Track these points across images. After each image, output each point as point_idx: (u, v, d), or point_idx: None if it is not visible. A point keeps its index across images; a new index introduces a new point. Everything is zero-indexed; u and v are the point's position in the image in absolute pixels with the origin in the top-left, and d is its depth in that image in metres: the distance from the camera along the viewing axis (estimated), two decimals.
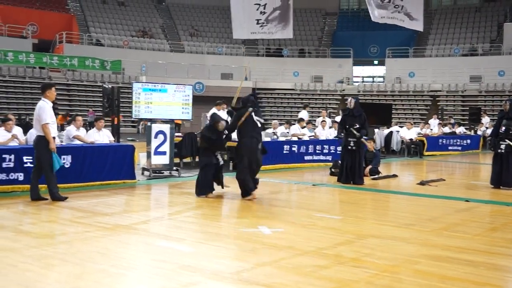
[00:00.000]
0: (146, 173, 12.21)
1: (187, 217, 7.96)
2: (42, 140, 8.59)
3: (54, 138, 8.70)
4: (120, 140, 13.69)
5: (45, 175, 8.74)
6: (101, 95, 17.03)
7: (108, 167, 10.67)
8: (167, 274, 5.09)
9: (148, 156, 12.14)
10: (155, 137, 12.07)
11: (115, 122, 13.25)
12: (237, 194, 9.78)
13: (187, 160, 14.91)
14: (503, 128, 11.44)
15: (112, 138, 12.08)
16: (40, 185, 8.91)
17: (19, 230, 6.88)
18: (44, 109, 8.61)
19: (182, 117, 12.83)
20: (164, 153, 12.18)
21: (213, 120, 9.86)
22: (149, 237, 6.69)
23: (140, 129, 30.31)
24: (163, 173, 12.35)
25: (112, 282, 4.86)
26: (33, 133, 9.65)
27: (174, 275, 5.05)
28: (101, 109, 15.22)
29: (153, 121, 12.18)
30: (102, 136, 11.72)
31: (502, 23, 38.43)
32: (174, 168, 12.48)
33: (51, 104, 8.84)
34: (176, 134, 14.48)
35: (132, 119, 14.49)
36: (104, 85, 13.79)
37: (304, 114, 21.00)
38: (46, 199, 8.78)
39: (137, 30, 40.15)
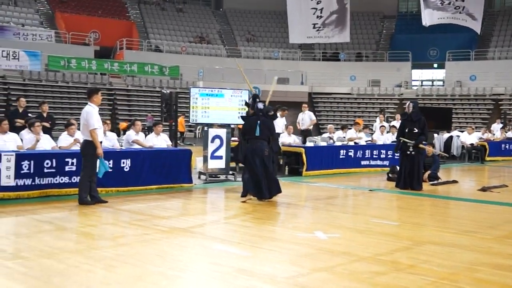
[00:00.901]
0: (203, 177, 12.35)
1: (243, 221, 8.01)
2: (89, 145, 8.68)
3: (101, 143, 8.80)
4: (180, 144, 13.90)
5: (81, 178, 8.82)
6: (159, 100, 17.37)
7: (166, 171, 10.86)
8: (224, 277, 5.15)
9: (205, 160, 12.28)
10: (212, 141, 12.21)
11: (179, 128, 13.52)
12: (291, 199, 9.78)
13: (243, 165, 14.96)
14: None
15: (169, 143, 12.29)
16: (98, 188, 9.18)
17: (81, 232, 7.11)
18: (92, 114, 8.67)
19: (239, 121, 12.91)
20: (220, 157, 12.30)
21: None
22: (206, 240, 6.78)
23: (198, 133, 30.72)
24: (219, 177, 12.47)
25: (170, 284, 4.95)
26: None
27: (230, 279, 5.10)
28: (159, 114, 15.53)
29: (210, 125, 12.33)
30: (160, 140, 11.94)
31: None
32: (230, 172, 12.59)
33: (98, 109, 8.90)
34: (232, 138, 14.61)
35: (190, 123, 14.71)
36: (163, 91, 14.06)
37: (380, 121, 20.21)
38: (106, 201, 9.03)
39: (194, 36, 40.80)
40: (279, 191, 9.77)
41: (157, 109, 28.79)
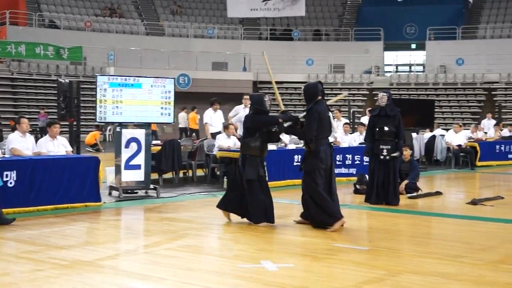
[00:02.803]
0: (115, 193, 12.21)
1: (168, 250, 7.96)
2: None
3: None
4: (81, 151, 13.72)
5: None
6: (55, 92, 17.08)
7: (65, 186, 10.68)
8: None
9: (117, 171, 12.14)
10: (127, 146, 12.07)
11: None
12: (231, 219, 9.79)
13: (168, 176, 14.93)
14: None
15: (69, 149, 12.08)
16: None
17: None
18: None
19: (162, 119, 12.85)
20: (138, 166, 12.18)
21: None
22: (118, 276, 6.70)
23: (107, 136, 30.37)
24: (137, 192, 12.36)
25: None
26: None
27: None
28: (55, 110, 15.27)
29: (123, 125, 12.21)
30: (57, 145, 11.72)
31: None
32: (151, 186, 12.49)
33: None
34: (154, 142, 14.51)
35: (96, 123, 14.52)
36: (60, 80, 13.86)
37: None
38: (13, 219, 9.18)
39: (102, 8, 40.33)
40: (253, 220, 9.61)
41: (52, 104, 28.26)
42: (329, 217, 9.28)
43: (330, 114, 9.82)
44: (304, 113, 9.60)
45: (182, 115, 27.16)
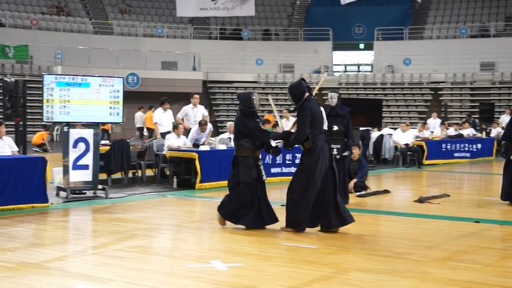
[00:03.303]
0: (63, 194, 12.07)
1: (117, 251, 7.89)
2: None
3: None
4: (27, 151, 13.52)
5: None
6: (1, 91, 16.78)
7: (11, 187, 10.50)
8: None
9: (65, 171, 12.00)
10: (74, 146, 11.95)
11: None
12: (181, 220, 9.75)
13: (117, 176, 14.80)
14: None
15: (15, 149, 11.90)
16: None
17: None
18: None
19: (110, 119, 12.73)
20: (86, 167, 12.07)
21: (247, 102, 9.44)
22: (66, 278, 6.62)
23: (55, 136, 29.96)
24: (85, 193, 12.23)
25: None
26: None
27: None
28: (1, 110, 15.02)
29: (71, 125, 12.06)
30: (2, 146, 11.57)
31: None
32: (100, 186, 12.37)
33: None
34: (103, 142, 14.37)
35: (43, 122, 14.31)
36: (5, 79, 13.64)
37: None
38: None
39: (49, 6, 39.73)
40: (223, 215, 9.35)
41: None
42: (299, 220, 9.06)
43: (322, 109, 9.49)
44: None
45: (139, 114, 26.90)
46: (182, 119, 16.00)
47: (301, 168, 9.21)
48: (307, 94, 9.31)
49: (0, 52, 32.58)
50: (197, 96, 16.71)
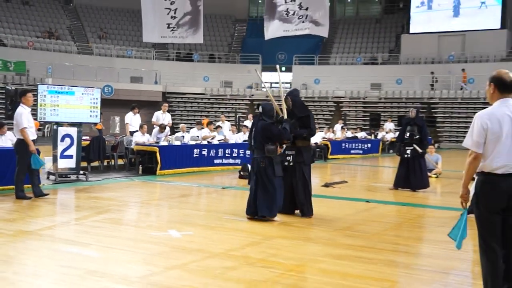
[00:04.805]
0: (52, 177, 11.80)
1: (95, 222, 7.74)
2: (22, 143, 9.33)
3: (33, 141, 9.37)
4: None
5: (17, 175, 9.39)
6: (3, 97, 16.22)
7: (12, 171, 10.16)
8: (73, 280, 4.93)
9: (54, 160, 11.73)
10: (62, 140, 11.73)
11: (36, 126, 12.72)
12: (145, 198, 9.63)
13: (95, 164, 14.52)
14: (408, 134, 12.03)
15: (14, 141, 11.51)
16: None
17: None
18: (22, 115, 9.39)
19: (90, 120, 12.49)
20: (71, 156, 11.83)
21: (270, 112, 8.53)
22: (55, 243, 6.45)
23: (46, 132, 29.13)
24: (69, 177, 11.96)
25: None
26: None
27: (80, 281, 4.90)
28: (3, 112, 14.50)
29: (59, 124, 11.79)
30: (5, 140, 11.21)
31: (400, 34, 40.39)
32: (81, 172, 12.12)
33: (29, 110, 9.64)
34: (84, 137, 14.08)
35: (39, 121, 13.91)
36: (7, 87, 13.18)
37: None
38: (47, 194, 9.62)
39: (42, 31, 38.54)
40: (269, 214, 8.03)
41: (1, 107, 26.78)
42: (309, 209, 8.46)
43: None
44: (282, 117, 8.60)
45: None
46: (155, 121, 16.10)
47: (303, 163, 8.48)
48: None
49: (2, 66, 31.53)
50: (166, 104, 17.04)
